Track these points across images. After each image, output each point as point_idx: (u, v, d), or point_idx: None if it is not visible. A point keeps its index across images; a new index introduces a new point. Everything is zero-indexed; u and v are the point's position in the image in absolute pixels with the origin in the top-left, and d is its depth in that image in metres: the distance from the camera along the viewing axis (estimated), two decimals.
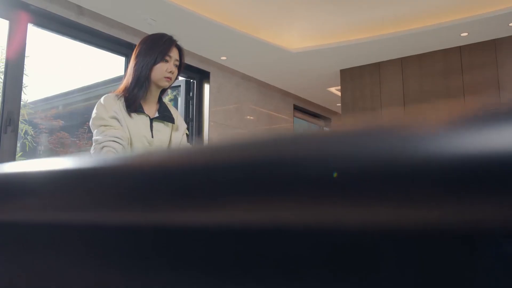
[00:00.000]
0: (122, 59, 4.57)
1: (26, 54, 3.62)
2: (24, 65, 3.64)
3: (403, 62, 5.03)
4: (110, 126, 1.67)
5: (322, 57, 5.10)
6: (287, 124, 6.47)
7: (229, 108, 5.45)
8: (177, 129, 1.91)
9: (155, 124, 1.81)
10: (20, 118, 4.80)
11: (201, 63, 5.08)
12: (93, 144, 1.64)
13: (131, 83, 1.77)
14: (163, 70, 1.77)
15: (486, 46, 4.56)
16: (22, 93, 3.79)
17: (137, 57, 1.80)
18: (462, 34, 4.40)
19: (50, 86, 7.52)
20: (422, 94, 4.86)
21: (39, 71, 6.29)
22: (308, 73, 5.65)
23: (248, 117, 5.78)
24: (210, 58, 5.16)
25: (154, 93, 1.84)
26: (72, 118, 7.99)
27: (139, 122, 1.76)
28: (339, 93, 5.93)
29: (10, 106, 3.39)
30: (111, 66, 6.72)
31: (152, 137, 1.78)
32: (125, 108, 1.74)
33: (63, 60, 7.25)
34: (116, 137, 1.62)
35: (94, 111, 1.72)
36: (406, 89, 4.97)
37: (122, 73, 4.62)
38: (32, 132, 5.60)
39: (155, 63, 1.77)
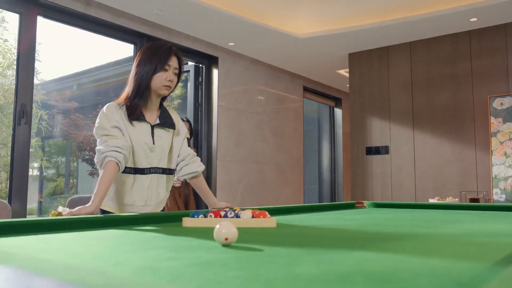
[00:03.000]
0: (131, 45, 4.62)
1: (38, 41, 3.71)
2: (36, 52, 3.73)
3: (411, 46, 4.99)
4: (112, 136, 1.75)
5: (330, 42, 5.08)
6: (297, 104, 6.50)
7: (238, 91, 5.49)
8: (178, 134, 1.99)
9: (156, 130, 1.89)
10: (34, 104, 4.94)
11: (209, 48, 5.11)
12: (96, 153, 1.73)
13: (132, 93, 1.83)
14: (162, 79, 1.83)
15: (496, 31, 4.49)
16: (35, 79, 3.90)
17: (137, 66, 1.85)
18: (471, 19, 4.34)
19: (63, 67, 7.61)
20: (430, 79, 4.84)
21: (51, 54, 6.39)
22: (317, 57, 5.64)
23: (259, 97, 5.83)
24: (218, 44, 5.18)
25: (155, 101, 1.91)
26: (85, 100, 8.12)
27: (141, 130, 1.84)
28: (348, 75, 5.92)
29: (23, 99, 3.50)
30: (122, 47, 6.77)
31: (154, 143, 1.86)
32: (126, 117, 1.82)
33: (75, 43, 7.32)
34: (117, 147, 1.71)
35: (97, 120, 1.80)
36: (414, 73, 4.94)
37: (132, 54, 4.68)
38: (46, 117, 5.74)
39: (154, 72, 1.82)
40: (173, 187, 3.92)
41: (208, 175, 5.15)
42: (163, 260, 0.79)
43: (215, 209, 1.84)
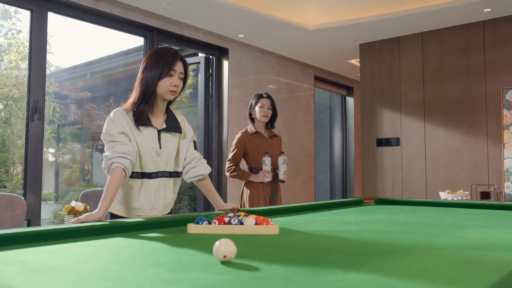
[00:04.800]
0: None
1: (50, 34, 3.75)
2: (48, 44, 3.78)
3: (423, 37, 4.91)
4: (119, 142, 1.78)
5: (340, 33, 5.03)
6: (308, 93, 6.48)
7: (248, 82, 5.49)
8: (184, 137, 2.01)
9: (162, 135, 1.92)
10: (47, 97, 5.00)
11: (219, 40, 5.11)
12: (104, 159, 1.76)
13: (138, 98, 1.86)
14: (168, 84, 1.85)
15: (510, 21, 4.39)
16: (47, 70, 3.95)
17: (143, 72, 1.87)
18: (485, 10, 4.25)
19: (74, 57, 7.67)
20: (442, 70, 4.77)
21: (63, 45, 6.44)
22: (328, 48, 5.60)
23: (270, 86, 5.82)
24: (228, 36, 5.17)
25: (161, 106, 1.93)
26: (97, 89, 8.19)
27: (148, 135, 1.87)
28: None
29: (36, 95, 3.55)
30: (132, 37, 6.77)
31: (160, 148, 1.89)
32: (133, 122, 1.85)
33: (85, 34, 7.37)
34: (124, 153, 1.74)
35: (105, 126, 1.83)
36: (426, 65, 4.88)
37: (142, 43, 4.69)
38: (59, 110, 5.82)
39: (160, 78, 1.84)
40: (257, 183, 3.15)
41: (219, 167, 5.19)
42: (160, 284, 0.82)
43: (220, 213, 1.87)
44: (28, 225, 3.56)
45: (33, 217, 3.54)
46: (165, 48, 1.92)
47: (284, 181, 3.27)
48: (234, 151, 3.22)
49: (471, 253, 1.15)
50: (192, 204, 6.35)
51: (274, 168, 3.21)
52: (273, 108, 3.29)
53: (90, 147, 7.38)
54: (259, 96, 3.28)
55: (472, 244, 1.30)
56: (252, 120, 3.31)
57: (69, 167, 7.06)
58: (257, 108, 3.24)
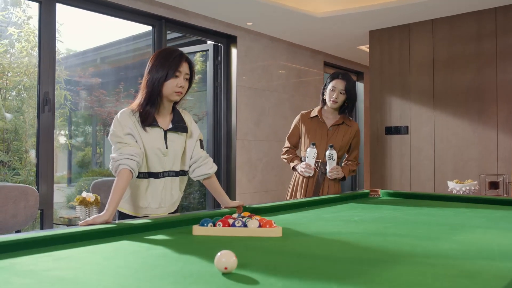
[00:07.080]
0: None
1: (60, 22, 3.77)
2: (57, 32, 3.80)
3: (434, 24, 4.84)
4: (125, 143, 1.82)
5: (349, 20, 4.97)
6: (317, 78, 6.45)
7: (257, 70, 5.47)
8: (190, 136, 2.04)
9: (169, 135, 1.95)
10: (58, 85, 5.05)
11: (227, 28, 5.09)
12: (111, 161, 1.80)
13: (144, 100, 1.89)
14: (173, 86, 1.88)
15: None
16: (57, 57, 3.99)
17: (149, 73, 1.90)
18: None
19: (84, 42, 7.70)
20: (453, 58, 4.71)
21: (72, 31, 6.45)
22: (337, 35, 5.54)
23: (279, 71, 5.81)
24: (236, 24, 5.14)
25: (167, 106, 1.96)
26: (106, 75, 8.24)
27: (154, 135, 1.91)
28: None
29: (46, 87, 3.60)
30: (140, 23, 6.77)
31: (167, 148, 1.93)
32: (140, 123, 1.88)
33: (94, 20, 7.37)
34: (131, 155, 1.78)
35: (112, 127, 1.87)
36: (436, 52, 4.82)
37: (151, 28, 4.68)
38: (70, 97, 5.87)
39: (166, 79, 1.87)
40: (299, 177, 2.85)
41: (228, 155, 5.23)
42: None
43: (225, 212, 1.91)
44: (41, 214, 3.65)
45: (45, 207, 3.63)
46: (170, 49, 1.94)
47: (333, 179, 2.81)
48: (289, 132, 2.99)
49: (468, 263, 1.17)
50: (201, 189, 6.42)
51: (323, 162, 2.80)
52: (349, 92, 2.77)
53: (101, 132, 7.48)
54: (333, 76, 2.82)
55: (471, 252, 1.31)
56: (324, 101, 2.88)
57: (82, 150, 7.19)
58: (328, 90, 2.82)
